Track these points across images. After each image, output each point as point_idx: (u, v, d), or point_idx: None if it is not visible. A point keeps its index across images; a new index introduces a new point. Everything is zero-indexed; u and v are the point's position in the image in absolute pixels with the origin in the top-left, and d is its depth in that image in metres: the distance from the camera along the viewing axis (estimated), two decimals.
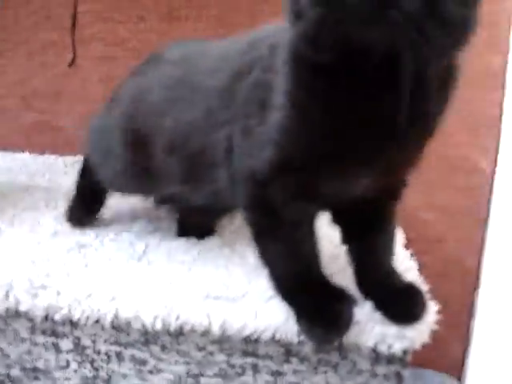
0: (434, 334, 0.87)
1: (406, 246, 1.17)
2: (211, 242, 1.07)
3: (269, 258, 0.85)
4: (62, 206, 1.23)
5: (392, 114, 0.70)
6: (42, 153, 1.74)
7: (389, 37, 0.61)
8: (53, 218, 1.18)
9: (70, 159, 1.67)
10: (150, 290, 0.89)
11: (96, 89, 1.76)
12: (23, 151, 1.75)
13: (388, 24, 0.59)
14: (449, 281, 1.76)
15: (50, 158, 1.69)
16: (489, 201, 1.71)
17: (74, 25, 1.64)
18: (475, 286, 1.75)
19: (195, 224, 1.10)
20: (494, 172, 1.69)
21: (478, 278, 1.75)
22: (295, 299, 0.83)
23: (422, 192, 1.71)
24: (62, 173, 1.57)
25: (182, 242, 1.07)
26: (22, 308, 0.89)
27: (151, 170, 0.97)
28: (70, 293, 0.88)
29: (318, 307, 0.80)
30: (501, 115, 1.66)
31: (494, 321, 1.58)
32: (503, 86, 1.65)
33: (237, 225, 1.15)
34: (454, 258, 1.76)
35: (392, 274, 0.89)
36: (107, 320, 0.87)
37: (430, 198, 1.72)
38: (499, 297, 1.57)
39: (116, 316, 0.87)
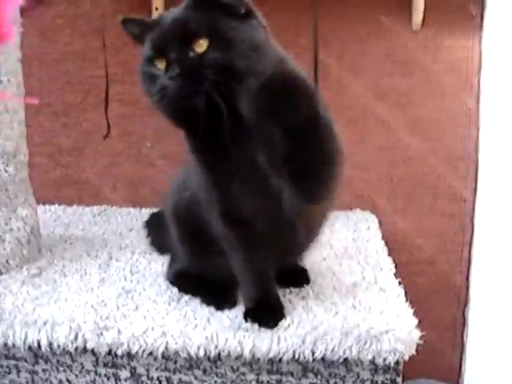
0: (431, 347, 1.10)
1: (399, 270, 1.39)
2: None
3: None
4: (101, 254, 1.46)
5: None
6: (70, 204, 1.96)
7: (206, 99, 0.94)
8: (97, 267, 1.40)
9: (96, 209, 1.89)
10: (192, 326, 1.10)
11: (116, 143, 1.99)
12: (53, 203, 1.96)
13: (201, 93, 0.94)
14: (441, 297, 1.99)
15: (78, 209, 1.90)
16: (472, 224, 1.94)
17: (106, 105, 1.84)
18: (465, 300, 1.98)
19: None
20: (474, 199, 1.92)
21: (467, 293, 1.97)
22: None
23: (411, 219, 1.95)
24: (93, 223, 1.78)
25: None
26: (89, 346, 1.11)
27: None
28: (129, 331, 1.10)
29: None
30: (477, 148, 1.90)
31: (484, 330, 1.80)
32: (477, 123, 1.89)
33: None
34: (444, 276, 1.99)
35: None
36: (159, 351, 1.09)
37: (419, 224, 1.96)
38: (487, 308, 1.79)
39: (166, 348, 1.08)
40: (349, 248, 1.55)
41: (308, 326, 1.07)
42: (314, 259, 1.44)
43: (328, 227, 1.70)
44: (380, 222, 1.81)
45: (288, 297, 1.21)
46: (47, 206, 1.93)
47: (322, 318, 1.11)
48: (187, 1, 1.02)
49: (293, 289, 1.26)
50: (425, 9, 1.81)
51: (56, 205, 1.95)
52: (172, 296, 1.23)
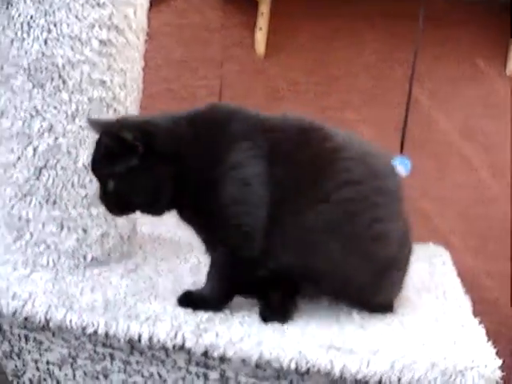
0: None
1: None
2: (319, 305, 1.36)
3: None
4: (190, 258, 1.54)
5: None
6: None
7: None
8: (188, 270, 1.48)
9: None
10: (287, 338, 1.17)
11: None
12: None
13: None
14: (503, 340, 2.01)
15: None
16: None
17: None
18: None
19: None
20: None
21: None
22: None
23: (482, 260, 1.99)
24: (176, 225, 1.86)
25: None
26: (187, 345, 1.18)
27: None
28: (227, 336, 1.17)
29: None
30: None
31: None
32: None
33: None
34: (508, 320, 2.01)
35: None
36: (253, 359, 1.15)
37: (489, 266, 1.99)
38: None
39: (260, 357, 1.15)
40: (426, 281, 1.59)
41: (397, 354, 1.12)
42: None
43: None
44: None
45: (372, 321, 1.27)
46: None
47: (409, 346, 1.16)
48: None
49: (376, 314, 1.31)
50: None
51: None
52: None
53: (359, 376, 1.12)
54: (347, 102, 2.03)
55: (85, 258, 1.41)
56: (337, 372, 1.12)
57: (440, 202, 1.98)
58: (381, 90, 1.98)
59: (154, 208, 1.23)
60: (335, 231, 1.18)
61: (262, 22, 1.94)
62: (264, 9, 1.95)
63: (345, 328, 1.23)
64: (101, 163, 1.17)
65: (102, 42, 1.38)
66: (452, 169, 1.97)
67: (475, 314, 1.37)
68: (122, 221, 1.49)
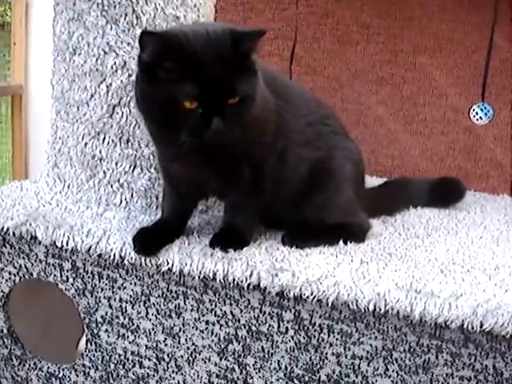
0: None
1: None
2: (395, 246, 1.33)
3: None
4: None
5: None
6: None
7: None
8: None
9: None
10: (365, 280, 1.14)
11: None
12: None
13: None
14: None
15: None
16: None
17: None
18: None
19: None
20: None
21: None
22: None
23: None
24: None
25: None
26: (263, 285, 1.17)
27: None
28: (303, 276, 1.15)
29: None
30: None
31: None
32: None
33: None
34: None
35: None
36: (329, 300, 1.13)
37: None
38: None
39: (337, 298, 1.13)
40: (503, 231, 1.53)
41: (480, 298, 1.09)
42: (470, 235, 1.46)
43: (479, 208, 1.73)
44: None
45: (452, 267, 1.23)
46: None
47: (493, 292, 1.11)
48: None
49: (456, 260, 1.27)
50: None
51: None
52: (337, 249, 1.28)
53: (440, 320, 1.09)
54: (421, 46, 1.95)
55: (157, 197, 1.41)
56: (416, 315, 1.10)
57: None
58: (458, 33, 1.89)
59: None
60: None
61: None
62: None
63: (423, 271, 1.20)
64: None
65: None
66: None
67: None
68: None
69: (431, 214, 1.64)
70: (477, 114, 1.74)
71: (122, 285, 1.31)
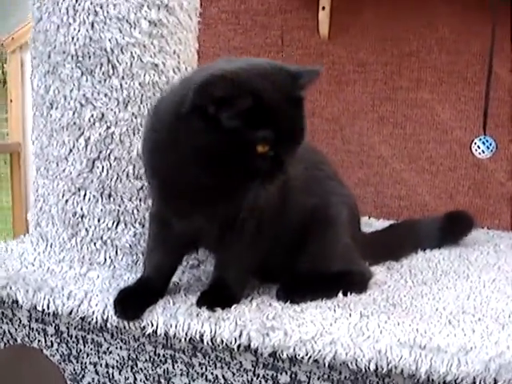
0: None
1: None
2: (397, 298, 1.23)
3: None
4: None
5: None
6: None
7: None
8: None
9: None
10: (364, 337, 1.04)
11: None
12: None
13: None
14: None
15: None
16: None
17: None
18: None
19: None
20: None
21: None
22: None
23: None
24: None
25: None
26: (253, 345, 1.07)
27: None
28: (296, 334, 1.05)
29: None
30: None
31: None
32: None
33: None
34: None
35: None
36: (326, 360, 1.03)
37: None
38: None
39: (334, 357, 1.02)
40: None
41: (493, 352, 0.98)
42: (483, 278, 1.36)
43: (492, 246, 1.63)
44: None
45: (461, 316, 1.13)
46: None
47: (506, 343, 1.01)
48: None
49: (467, 308, 1.17)
50: None
51: None
52: (336, 302, 1.18)
53: (449, 378, 0.98)
54: (421, 81, 1.88)
55: (143, 253, 1.33)
56: (422, 374, 0.99)
57: None
58: (459, 65, 1.81)
59: None
60: None
61: (325, 0, 1.81)
62: None
63: (429, 323, 1.09)
64: None
65: (151, 22, 1.29)
66: None
67: None
68: None
69: (441, 256, 1.54)
70: (478, 147, 1.64)
71: (108, 349, 1.22)
